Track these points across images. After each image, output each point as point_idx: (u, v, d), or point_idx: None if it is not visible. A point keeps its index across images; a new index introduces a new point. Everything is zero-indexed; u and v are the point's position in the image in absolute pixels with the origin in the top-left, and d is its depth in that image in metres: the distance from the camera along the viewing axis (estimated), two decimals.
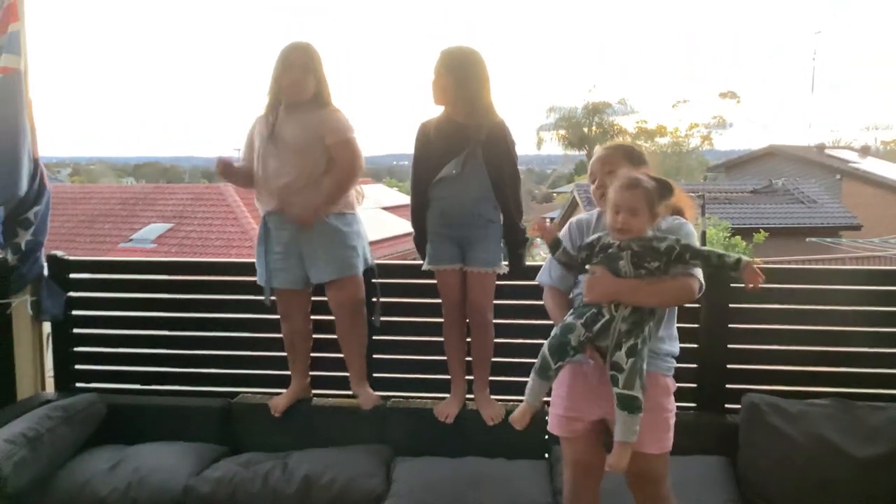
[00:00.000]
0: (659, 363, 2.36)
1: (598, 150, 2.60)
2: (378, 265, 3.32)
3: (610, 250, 2.28)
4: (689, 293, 2.28)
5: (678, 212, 2.45)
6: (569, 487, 2.48)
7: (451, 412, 3.17)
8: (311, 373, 3.42)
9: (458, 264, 3.07)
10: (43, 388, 3.58)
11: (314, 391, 3.43)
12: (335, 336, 3.33)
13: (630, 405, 2.18)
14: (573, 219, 2.61)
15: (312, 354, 3.39)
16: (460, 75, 2.92)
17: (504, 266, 3.08)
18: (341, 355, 3.38)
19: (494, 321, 3.16)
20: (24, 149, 3.29)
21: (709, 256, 2.24)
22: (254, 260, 3.27)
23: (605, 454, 2.28)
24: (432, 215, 3.07)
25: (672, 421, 2.36)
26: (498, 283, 3.11)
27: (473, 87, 2.93)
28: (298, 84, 3.03)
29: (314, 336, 3.37)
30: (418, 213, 3.12)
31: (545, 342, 2.30)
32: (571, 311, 2.35)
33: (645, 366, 2.20)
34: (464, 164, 2.95)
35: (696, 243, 2.32)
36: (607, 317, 2.23)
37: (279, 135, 3.06)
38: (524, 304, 3.25)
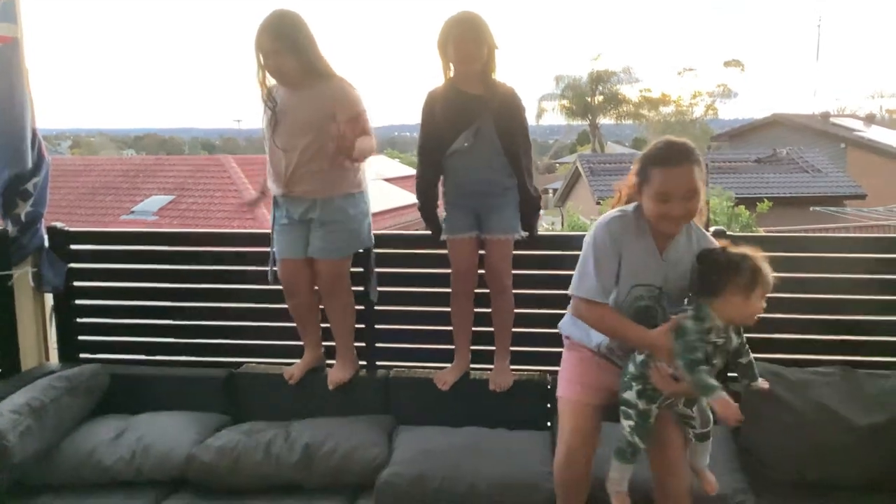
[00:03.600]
0: None
1: (671, 165, 2.27)
2: (380, 236, 3.31)
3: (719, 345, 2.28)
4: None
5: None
6: (563, 453, 2.44)
7: (448, 380, 3.19)
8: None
9: (473, 233, 3.08)
10: (47, 359, 3.60)
11: None
12: None
13: (707, 436, 2.40)
14: (610, 224, 2.37)
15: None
16: (479, 37, 2.88)
17: (522, 233, 3.09)
18: None
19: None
20: (27, 119, 3.27)
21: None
22: (255, 230, 3.27)
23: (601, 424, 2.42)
24: (448, 187, 3.09)
25: None
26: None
27: (487, 54, 2.91)
28: (279, 69, 2.94)
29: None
30: (423, 183, 3.10)
31: (626, 427, 2.34)
32: (635, 387, 2.33)
33: (706, 401, 2.27)
34: (475, 136, 2.94)
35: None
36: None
37: (284, 117, 2.99)
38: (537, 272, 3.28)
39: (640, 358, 2.33)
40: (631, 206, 2.39)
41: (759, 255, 2.25)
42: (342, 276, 3.18)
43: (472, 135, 2.94)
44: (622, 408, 2.36)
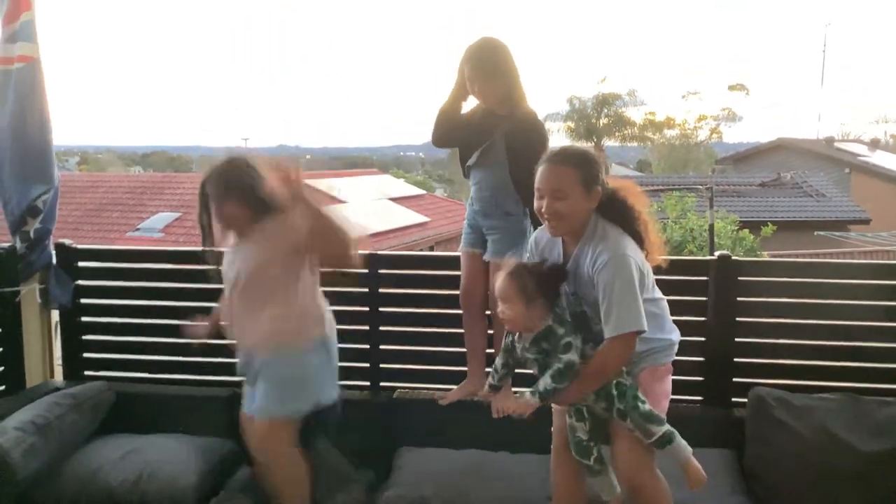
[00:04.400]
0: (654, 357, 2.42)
1: (544, 161, 2.37)
2: (385, 256, 3.32)
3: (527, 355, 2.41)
4: (617, 360, 2.30)
5: (627, 217, 2.38)
6: (553, 456, 2.57)
7: (449, 396, 3.19)
8: None
9: (476, 249, 3.09)
10: (52, 375, 3.60)
11: None
12: (342, 327, 3.37)
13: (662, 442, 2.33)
14: (536, 232, 2.59)
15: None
16: (492, 66, 2.88)
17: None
18: (348, 345, 3.41)
19: None
20: (50, 136, 3.33)
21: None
22: None
23: None
24: (468, 201, 3.16)
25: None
26: None
27: (505, 78, 2.89)
28: (227, 231, 2.66)
29: None
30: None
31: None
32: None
33: (642, 410, 2.31)
34: (486, 155, 2.96)
35: (615, 281, 2.23)
36: (587, 414, 2.41)
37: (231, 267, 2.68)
38: None
39: None
40: None
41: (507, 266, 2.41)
42: (273, 440, 2.60)
43: (479, 153, 2.96)
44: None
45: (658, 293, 2.45)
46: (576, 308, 2.40)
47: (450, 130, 3.04)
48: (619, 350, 2.26)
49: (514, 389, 3.13)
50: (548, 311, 2.33)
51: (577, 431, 2.42)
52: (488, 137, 2.93)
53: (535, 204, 2.37)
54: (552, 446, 2.57)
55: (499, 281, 2.36)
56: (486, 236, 3.05)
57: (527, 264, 2.42)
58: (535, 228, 2.98)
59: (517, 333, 2.42)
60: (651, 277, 2.39)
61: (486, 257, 3.05)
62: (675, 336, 2.48)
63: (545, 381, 2.28)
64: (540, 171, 2.36)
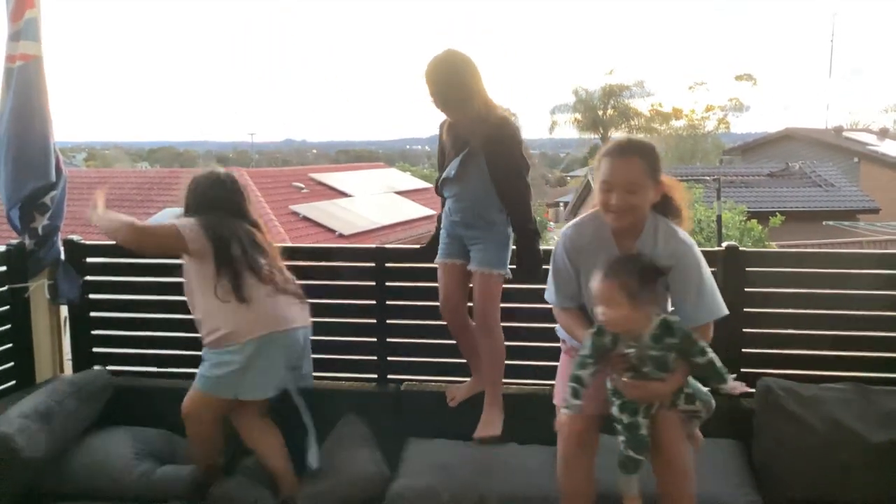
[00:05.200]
0: None
1: (612, 153, 2.35)
2: (392, 250, 3.34)
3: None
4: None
5: (674, 212, 2.43)
6: (561, 461, 2.50)
7: (458, 396, 3.18)
8: (323, 355, 3.44)
9: (455, 260, 3.03)
10: (61, 370, 3.62)
11: (318, 374, 3.45)
12: (350, 320, 3.38)
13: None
14: (565, 235, 2.51)
15: (327, 338, 3.42)
16: (441, 83, 2.82)
17: (506, 272, 2.97)
18: (355, 338, 3.43)
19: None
20: (50, 134, 3.34)
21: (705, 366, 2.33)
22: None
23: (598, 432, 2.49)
24: (445, 211, 3.09)
25: None
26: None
27: (458, 93, 2.82)
28: None
29: (327, 320, 3.39)
30: (441, 204, 3.14)
31: (620, 442, 2.38)
32: (616, 402, 2.37)
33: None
34: (464, 165, 2.90)
35: (702, 270, 2.37)
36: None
37: None
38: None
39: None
40: (590, 212, 2.48)
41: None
42: (193, 410, 2.94)
43: (456, 165, 2.92)
44: (614, 423, 2.41)
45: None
46: None
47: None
48: (710, 333, 2.39)
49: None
50: (655, 305, 2.31)
51: (640, 428, 2.35)
52: (463, 148, 2.89)
53: (601, 198, 2.33)
54: (562, 453, 2.50)
55: (596, 283, 2.28)
56: (469, 247, 3.00)
57: (623, 260, 2.31)
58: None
59: (608, 339, 2.32)
60: None
61: (471, 268, 2.97)
62: None
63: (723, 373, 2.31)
64: (608, 163, 2.32)
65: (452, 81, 2.82)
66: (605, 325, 2.29)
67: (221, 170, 3.09)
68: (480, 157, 2.86)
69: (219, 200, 2.95)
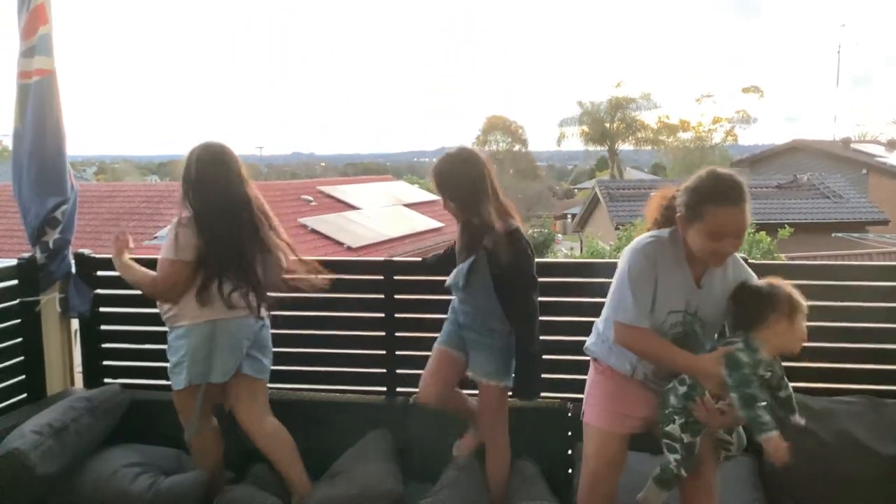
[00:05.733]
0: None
1: (724, 200, 2.22)
2: (400, 262, 3.34)
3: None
4: None
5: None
6: (588, 480, 2.49)
7: (462, 451, 3.10)
8: (332, 368, 3.45)
9: (454, 351, 2.95)
10: (72, 383, 3.64)
11: (326, 387, 3.46)
12: (358, 333, 3.39)
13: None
14: (646, 248, 2.36)
15: (336, 350, 3.43)
16: (450, 187, 2.79)
17: (510, 383, 2.85)
18: (364, 351, 3.44)
19: None
20: (65, 149, 3.38)
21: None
22: None
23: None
24: (452, 305, 3.00)
25: None
26: None
27: (462, 197, 2.78)
28: None
29: (335, 333, 3.39)
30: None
31: (671, 461, 2.35)
32: (678, 421, 2.33)
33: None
34: (470, 274, 2.81)
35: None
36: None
37: None
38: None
39: (682, 390, 2.32)
40: (665, 232, 2.38)
41: (786, 283, 2.30)
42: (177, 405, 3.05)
43: (465, 273, 2.82)
44: (665, 441, 2.36)
45: None
46: (689, 328, 2.37)
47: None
48: None
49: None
50: None
51: (696, 448, 2.36)
52: (471, 254, 2.81)
53: (709, 246, 2.23)
54: (588, 471, 2.51)
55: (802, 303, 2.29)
56: (470, 349, 2.90)
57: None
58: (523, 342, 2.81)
59: (756, 358, 2.26)
60: None
61: (473, 375, 2.89)
62: None
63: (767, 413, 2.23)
64: (726, 212, 2.20)
65: (452, 183, 2.78)
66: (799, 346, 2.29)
67: (215, 143, 3.00)
68: (486, 267, 2.76)
69: (214, 181, 2.92)
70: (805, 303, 2.29)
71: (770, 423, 2.15)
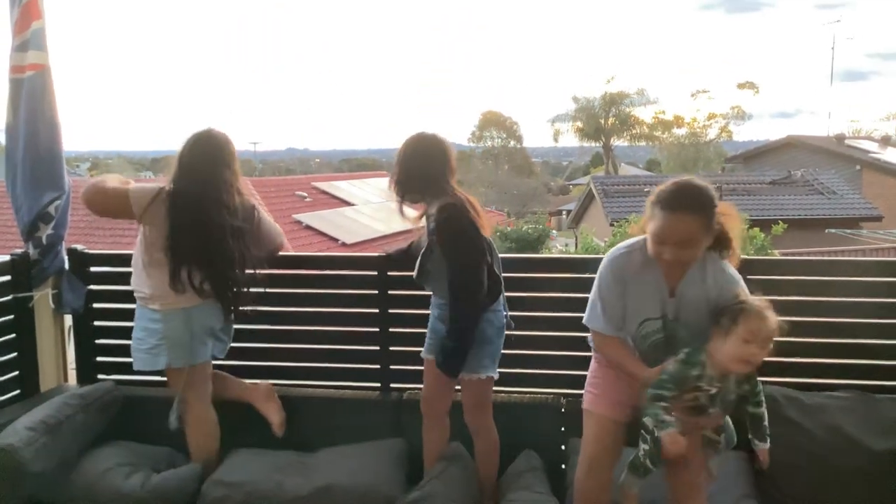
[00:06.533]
0: None
1: (666, 205, 2.25)
2: (393, 258, 3.34)
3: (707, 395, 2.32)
4: None
5: (724, 246, 2.39)
6: (585, 464, 2.53)
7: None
8: (326, 364, 3.46)
9: (424, 352, 2.94)
10: (66, 379, 3.63)
11: (320, 383, 3.48)
12: (353, 329, 3.39)
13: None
14: (614, 262, 2.42)
15: (330, 346, 3.44)
16: (401, 167, 2.82)
17: (493, 373, 2.84)
18: (358, 347, 3.44)
19: None
20: (60, 143, 3.37)
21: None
22: None
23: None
24: (431, 303, 2.97)
25: None
26: None
27: (414, 178, 2.80)
28: None
29: (330, 328, 3.41)
30: None
31: (641, 449, 2.42)
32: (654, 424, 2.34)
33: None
34: (428, 261, 2.80)
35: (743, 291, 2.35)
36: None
37: None
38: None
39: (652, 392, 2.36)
40: (642, 238, 2.40)
41: (765, 304, 2.27)
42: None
43: (417, 264, 2.83)
44: (641, 430, 2.40)
45: None
46: (671, 333, 2.39)
47: None
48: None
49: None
50: None
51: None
52: (425, 243, 2.80)
53: (653, 248, 2.27)
54: (586, 455, 2.54)
55: (764, 324, 2.24)
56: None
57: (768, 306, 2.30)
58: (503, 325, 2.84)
59: (695, 372, 2.29)
60: None
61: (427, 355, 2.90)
62: None
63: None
64: (661, 217, 2.23)
65: (403, 162, 2.80)
66: (753, 365, 2.28)
67: (207, 131, 3.05)
68: (438, 251, 2.73)
69: (200, 169, 2.96)
70: (773, 329, 2.25)
71: (666, 421, 2.25)
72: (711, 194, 2.28)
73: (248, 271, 3.05)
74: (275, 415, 3.22)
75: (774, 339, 2.25)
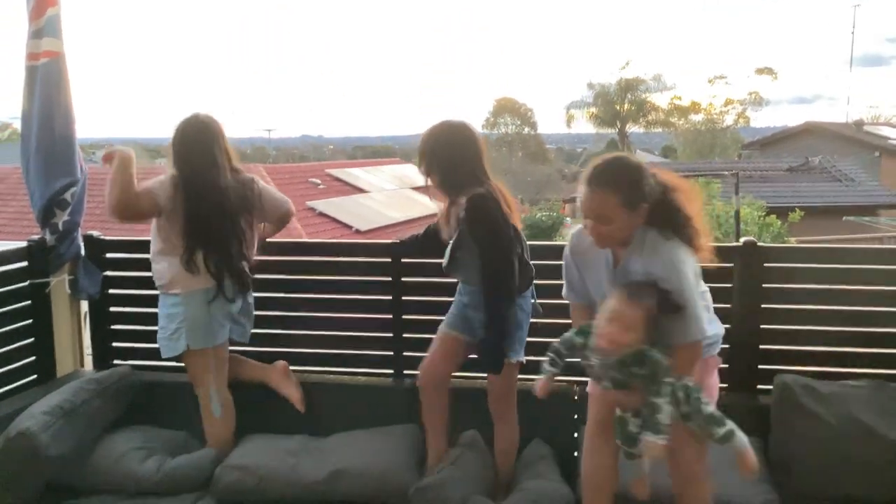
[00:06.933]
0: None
1: (585, 181, 2.31)
2: (407, 244, 3.35)
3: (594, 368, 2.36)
4: (690, 367, 2.31)
5: (675, 225, 2.33)
6: (587, 444, 2.54)
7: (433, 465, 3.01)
8: (339, 351, 3.48)
9: (458, 334, 2.93)
10: (82, 365, 3.67)
11: (334, 369, 3.49)
12: (366, 315, 3.40)
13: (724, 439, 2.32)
14: (570, 239, 2.54)
15: (343, 333, 3.46)
16: (429, 158, 2.81)
17: (520, 357, 2.86)
18: (372, 334, 3.45)
19: None
20: (74, 130, 3.38)
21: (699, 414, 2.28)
22: (283, 239, 3.44)
23: None
24: (458, 289, 2.99)
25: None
26: None
27: (446, 167, 2.79)
28: None
29: (343, 315, 3.42)
30: None
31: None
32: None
33: (706, 412, 2.29)
34: (458, 250, 2.80)
35: (682, 289, 2.24)
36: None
37: None
38: None
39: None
40: None
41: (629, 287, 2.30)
42: (195, 381, 3.18)
43: (448, 252, 2.83)
44: None
45: (704, 286, 2.46)
46: None
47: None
48: (692, 356, 2.31)
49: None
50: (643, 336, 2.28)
51: (628, 425, 2.36)
52: (454, 233, 2.79)
53: (583, 222, 2.35)
54: (587, 433, 2.55)
55: (616, 304, 2.25)
56: (476, 328, 2.84)
57: (645, 289, 2.26)
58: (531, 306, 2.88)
59: (580, 342, 2.37)
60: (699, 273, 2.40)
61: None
62: (721, 328, 2.56)
63: (662, 416, 2.20)
64: (581, 192, 2.30)
65: (428, 153, 2.80)
66: (600, 344, 2.26)
67: (193, 116, 3.12)
68: (469, 240, 2.73)
69: (197, 154, 3.04)
70: (608, 312, 2.25)
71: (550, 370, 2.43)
72: (629, 170, 2.29)
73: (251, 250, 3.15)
74: (294, 392, 3.26)
75: (612, 320, 2.23)
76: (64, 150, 3.37)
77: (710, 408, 2.30)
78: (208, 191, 3.00)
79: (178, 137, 3.07)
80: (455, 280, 3.05)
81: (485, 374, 2.95)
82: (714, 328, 2.50)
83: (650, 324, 2.24)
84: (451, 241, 2.82)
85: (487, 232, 2.68)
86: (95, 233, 3.63)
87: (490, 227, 2.68)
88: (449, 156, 2.78)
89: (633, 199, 2.25)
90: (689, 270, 2.29)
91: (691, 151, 36.45)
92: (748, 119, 38.22)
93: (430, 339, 3.44)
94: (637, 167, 2.31)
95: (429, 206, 3.09)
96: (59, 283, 3.50)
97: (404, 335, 3.43)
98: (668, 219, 2.32)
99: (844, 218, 15.97)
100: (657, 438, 2.19)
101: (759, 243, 3.19)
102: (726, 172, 17.01)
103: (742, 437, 2.30)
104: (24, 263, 3.41)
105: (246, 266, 3.12)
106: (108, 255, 3.63)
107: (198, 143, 3.04)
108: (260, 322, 3.52)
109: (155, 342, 3.66)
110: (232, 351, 3.28)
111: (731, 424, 2.29)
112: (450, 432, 3.06)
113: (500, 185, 2.84)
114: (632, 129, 38.82)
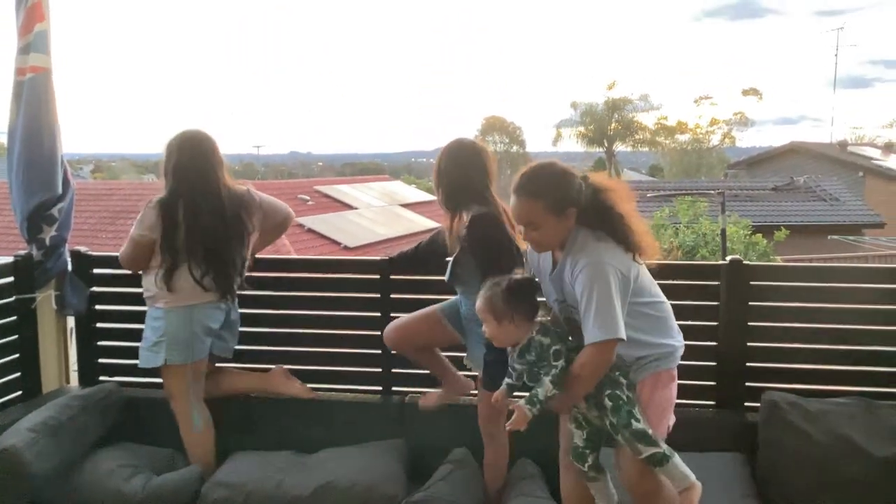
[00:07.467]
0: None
1: (513, 190, 2.36)
2: (397, 261, 3.35)
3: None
4: (593, 367, 2.26)
5: (607, 226, 2.33)
6: (562, 463, 2.58)
7: (428, 404, 3.19)
8: (328, 367, 3.46)
9: (449, 326, 2.97)
10: (67, 381, 3.64)
11: (322, 386, 3.46)
12: (355, 332, 3.39)
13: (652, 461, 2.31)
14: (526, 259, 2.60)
15: (332, 349, 3.44)
16: (438, 174, 2.87)
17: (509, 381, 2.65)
18: (360, 350, 3.44)
19: None
20: (58, 146, 3.37)
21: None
22: (271, 256, 3.38)
23: None
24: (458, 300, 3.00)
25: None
26: None
27: (451, 183, 2.82)
28: None
29: (332, 331, 3.41)
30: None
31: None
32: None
33: (634, 428, 2.27)
34: (458, 266, 2.82)
35: (593, 287, 2.23)
36: (584, 422, 2.42)
37: None
38: None
39: None
40: None
41: (493, 281, 2.40)
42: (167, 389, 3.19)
43: (449, 267, 2.85)
44: None
45: (659, 296, 2.43)
46: (567, 314, 2.41)
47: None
48: (596, 357, 2.24)
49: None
50: (528, 323, 2.35)
51: (573, 437, 2.42)
52: (456, 248, 2.80)
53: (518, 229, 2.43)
54: (561, 451, 2.57)
55: (478, 303, 2.39)
56: (467, 339, 2.91)
57: (497, 281, 2.38)
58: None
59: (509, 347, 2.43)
60: (646, 280, 2.38)
61: (467, 364, 2.97)
62: (679, 341, 2.45)
63: (541, 390, 2.27)
64: (510, 201, 2.37)
65: (440, 170, 2.85)
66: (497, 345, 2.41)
67: (190, 132, 3.14)
68: (471, 258, 2.74)
69: (186, 169, 3.06)
70: (478, 306, 2.40)
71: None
72: (553, 176, 2.33)
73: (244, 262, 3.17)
74: (298, 388, 3.31)
75: (483, 321, 2.39)
76: (46, 166, 3.35)
77: (641, 425, 2.27)
78: (208, 202, 3.03)
79: (174, 151, 3.07)
80: (444, 296, 3.06)
81: (475, 393, 2.94)
82: (665, 339, 2.40)
83: (511, 312, 2.32)
84: (452, 257, 2.84)
85: (487, 251, 2.68)
86: (82, 248, 3.61)
87: (490, 246, 2.69)
88: (454, 173, 2.82)
89: (559, 204, 2.29)
90: (609, 271, 2.23)
91: (678, 170, 36.73)
92: (734, 139, 38.64)
93: None
94: (561, 172, 2.34)
95: (417, 222, 3.10)
96: (46, 299, 3.48)
97: (392, 352, 3.42)
98: (599, 219, 2.33)
99: (829, 237, 16.12)
100: (529, 408, 2.25)
101: (745, 261, 3.22)
102: (713, 191, 17.12)
103: (682, 471, 2.27)
104: (10, 279, 3.39)
105: (239, 280, 3.14)
106: (96, 271, 3.60)
107: (194, 158, 3.06)
108: (248, 338, 3.51)
109: None
110: (222, 366, 3.26)
111: (665, 448, 2.26)
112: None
113: (506, 206, 2.84)
114: (619, 147, 39.11)
